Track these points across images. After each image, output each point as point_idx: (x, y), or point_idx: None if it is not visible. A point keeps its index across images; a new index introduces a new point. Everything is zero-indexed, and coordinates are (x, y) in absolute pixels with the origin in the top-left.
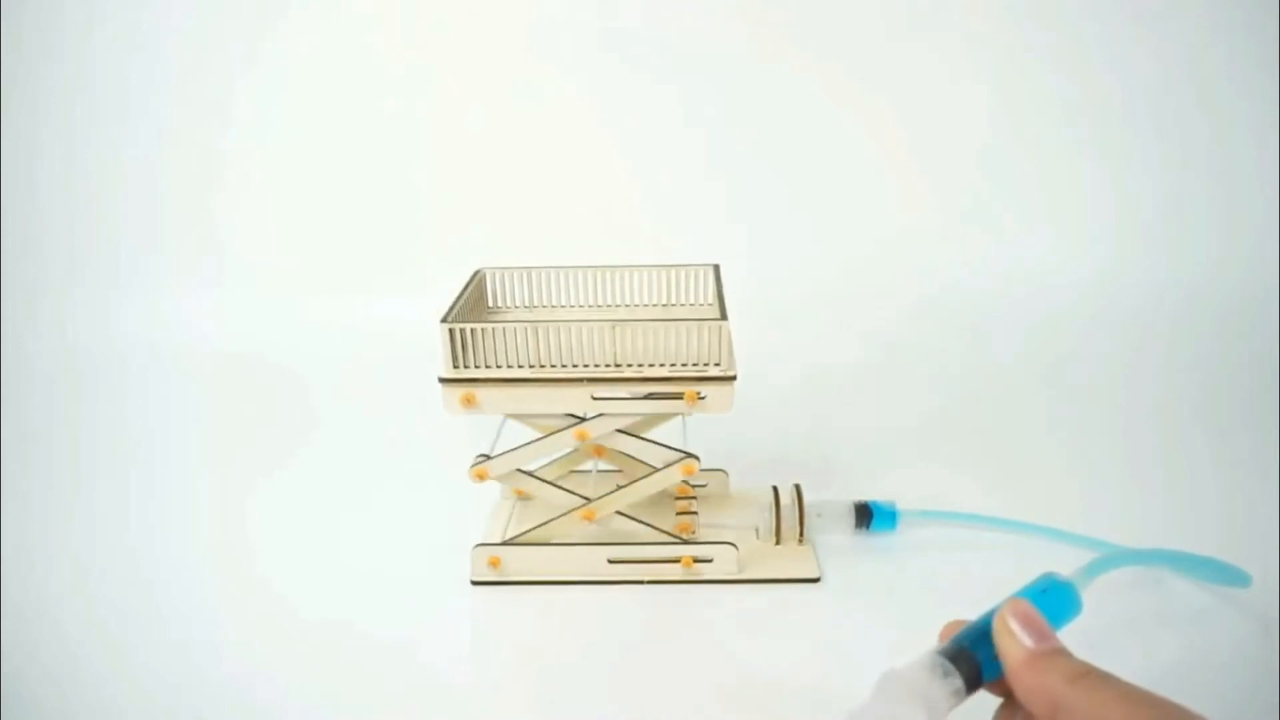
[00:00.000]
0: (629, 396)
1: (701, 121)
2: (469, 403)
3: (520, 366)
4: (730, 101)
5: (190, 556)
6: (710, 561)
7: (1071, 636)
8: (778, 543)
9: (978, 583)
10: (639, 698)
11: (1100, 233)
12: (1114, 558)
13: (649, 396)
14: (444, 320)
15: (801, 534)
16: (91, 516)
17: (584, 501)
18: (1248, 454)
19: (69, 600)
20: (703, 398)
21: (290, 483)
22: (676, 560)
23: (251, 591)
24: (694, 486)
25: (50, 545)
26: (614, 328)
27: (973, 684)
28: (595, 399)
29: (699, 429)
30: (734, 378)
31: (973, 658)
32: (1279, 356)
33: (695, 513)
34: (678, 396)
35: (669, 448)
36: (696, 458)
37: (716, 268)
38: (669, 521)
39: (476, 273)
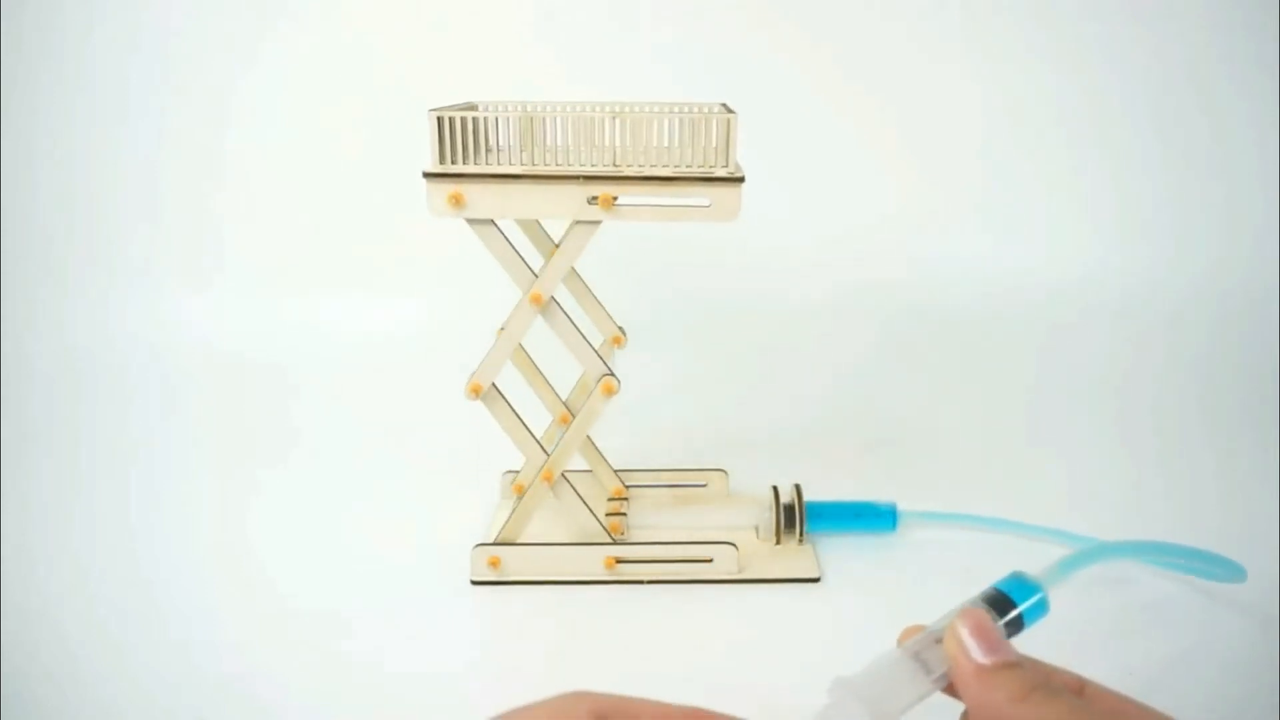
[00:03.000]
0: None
1: None
2: (456, 202)
3: (512, 164)
4: (728, 99)
5: (190, 556)
6: (710, 561)
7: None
8: (778, 543)
9: (978, 584)
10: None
11: (1100, 232)
12: (1090, 552)
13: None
14: (432, 109)
15: (801, 534)
16: (91, 516)
17: (545, 457)
18: (1248, 454)
19: (69, 600)
20: (707, 205)
21: (290, 482)
22: (677, 560)
23: (251, 591)
24: (694, 487)
25: (50, 545)
26: (615, 116)
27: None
28: (590, 202)
29: (698, 428)
30: (742, 179)
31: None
32: (1279, 356)
33: (624, 514)
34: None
35: (601, 360)
36: (617, 378)
37: (725, 106)
38: (662, 519)
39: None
